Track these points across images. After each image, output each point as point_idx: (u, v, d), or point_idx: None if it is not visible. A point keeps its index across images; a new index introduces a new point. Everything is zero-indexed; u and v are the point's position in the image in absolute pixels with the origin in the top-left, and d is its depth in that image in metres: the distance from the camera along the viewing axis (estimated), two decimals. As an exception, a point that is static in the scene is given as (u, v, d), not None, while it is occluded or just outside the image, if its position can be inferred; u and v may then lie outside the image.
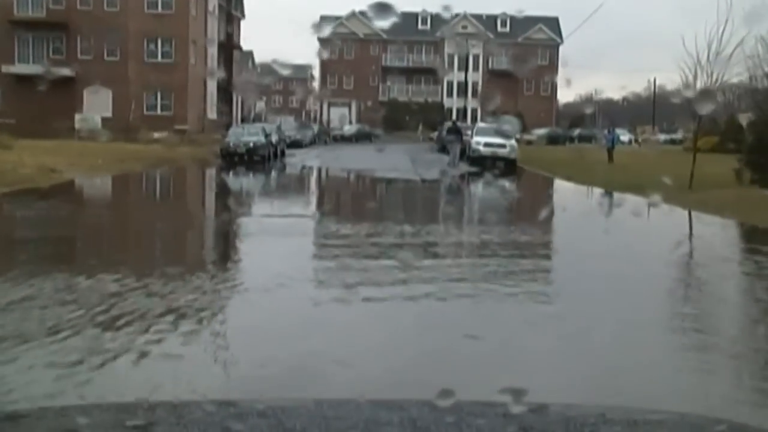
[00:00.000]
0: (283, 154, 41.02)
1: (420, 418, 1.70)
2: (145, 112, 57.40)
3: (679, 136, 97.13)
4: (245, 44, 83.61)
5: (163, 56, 57.53)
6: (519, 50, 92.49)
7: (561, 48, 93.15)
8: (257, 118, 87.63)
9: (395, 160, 36.43)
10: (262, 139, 36.16)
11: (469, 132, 37.26)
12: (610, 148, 36.69)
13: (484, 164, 34.11)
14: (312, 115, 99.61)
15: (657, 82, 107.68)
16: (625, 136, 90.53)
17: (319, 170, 34.91)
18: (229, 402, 1.87)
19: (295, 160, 38.04)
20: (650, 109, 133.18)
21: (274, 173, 32.47)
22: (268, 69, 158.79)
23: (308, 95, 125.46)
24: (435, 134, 58.47)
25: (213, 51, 65.81)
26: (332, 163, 34.94)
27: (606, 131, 40.45)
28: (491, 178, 27.61)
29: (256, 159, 35.16)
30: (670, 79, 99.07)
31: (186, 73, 57.39)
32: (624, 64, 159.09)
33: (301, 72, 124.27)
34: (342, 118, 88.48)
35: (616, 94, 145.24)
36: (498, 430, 1.71)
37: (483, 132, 36.67)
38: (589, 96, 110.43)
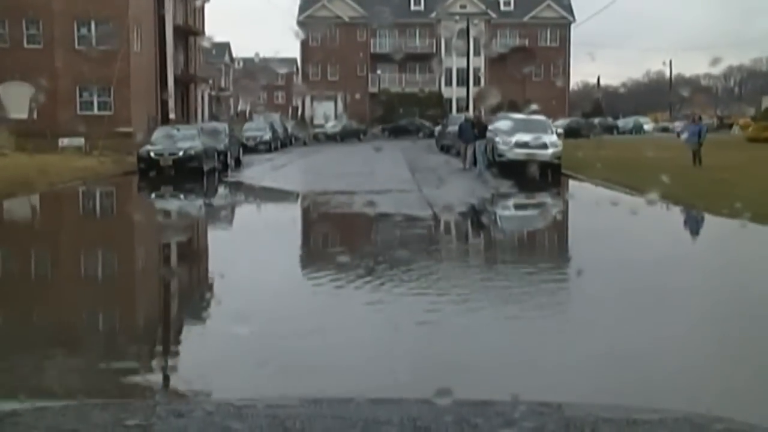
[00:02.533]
0: (237, 163, 30.31)
1: (420, 417, 1.69)
2: (78, 111, 46.69)
3: (707, 122, 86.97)
4: (221, 36, 72.83)
5: (98, 42, 46.64)
6: (526, 31, 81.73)
7: (573, 27, 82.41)
8: (239, 118, 77.11)
9: (388, 168, 25.86)
10: (196, 145, 25.38)
11: (491, 128, 26.47)
12: (696, 145, 25.73)
13: (515, 172, 23.56)
14: (298, 112, 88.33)
15: (654, 70, 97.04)
16: (648, 125, 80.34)
17: (267, 194, 21.79)
18: (229, 402, 1.86)
19: (249, 174, 27.26)
20: (651, 97, 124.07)
21: (193, 204, 21.04)
22: (251, 64, 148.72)
23: (293, 90, 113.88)
24: (437, 129, 47.70)
25: (168, 35, 54.91)
26: (297, 178, 24.02)
27: (690, 121, 29.50)
28: (553, 205, 16.93)
29: (188, 173, 24.47)
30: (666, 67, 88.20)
31: (128, 63, 46.50)
32: (621, 49, 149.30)
33: (286, 66, 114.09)
34: (327, 113, 77.63)
35: (614, 81, 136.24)
36: (497, 430, 1.67)
37: (510, 126, 25.87)
38: (587, 83, 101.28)
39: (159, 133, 26.78)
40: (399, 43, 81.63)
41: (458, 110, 78.00)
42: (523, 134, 25.12)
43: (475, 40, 76.42)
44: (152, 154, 24.91)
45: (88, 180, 23.85)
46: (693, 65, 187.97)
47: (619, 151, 31.16)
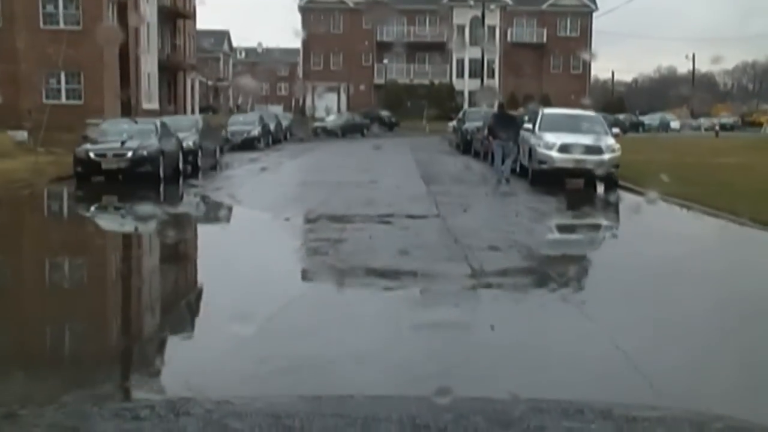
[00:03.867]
0: (214, 166, 24.73)
1: (419, 414, 1.69)
2: (44, 100, 41.12)
3: (729, 120, 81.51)
4: (221, 24, 67.42)
5: (66, 21, 41.09)
6: (544, 19, 75.87)
7: (595, 16, 76.51)
8: (240, 110, 71.18)
9: (396, 177, 20.31)
10: (151, 143, 19.81)
11: (527, 126, 20.74)
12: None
13: (549, 183, 18.06)
14: (299, 104, 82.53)
15: (665, 66, 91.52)
16: (675, 122, 74.65)
17: (223, 222, 15.25)
18: (228, 400, 1.88)
19: (219, 181, 21.67)
20: (662, 93, 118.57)
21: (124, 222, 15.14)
22: (254, 54, 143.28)
23: (297, 81, 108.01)
24: (451, 125, 42.02)
25: (150, 17, 49.34)
26: (274, 192, 18.12)
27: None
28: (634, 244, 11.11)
29: (139, 180, 18.95)
30: (677, 62, 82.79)
31: (101, 46, 40.84)
32: (633, 43, 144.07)
33: (289, 56, 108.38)
34: (329, 105, 71.92)
35: (626, 76, 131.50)
36: (497, 428, 1.69)
37: (554, 123, 20.21)
38: (596, 78, 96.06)
39: (106, 128, 21.11)
40: (407, 31, 75.84)
41: (471, 105, 72.32)
42: (571, 134, 19.45)
43: (489, 28, 70.74)
44: (92, 155, 19.28)
45: (25, 187, 18.35)
46: (705, 61, 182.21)
47: (673, 154, 25.51)
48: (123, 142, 19.72)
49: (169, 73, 54.71)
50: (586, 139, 19.26)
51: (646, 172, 20.29)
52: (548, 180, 19.35)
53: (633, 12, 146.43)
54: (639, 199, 17.39)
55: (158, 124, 21.46)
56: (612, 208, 16.54)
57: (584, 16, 76.10)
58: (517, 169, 21.33)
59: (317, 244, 10.42)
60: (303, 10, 76.51)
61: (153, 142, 20.04)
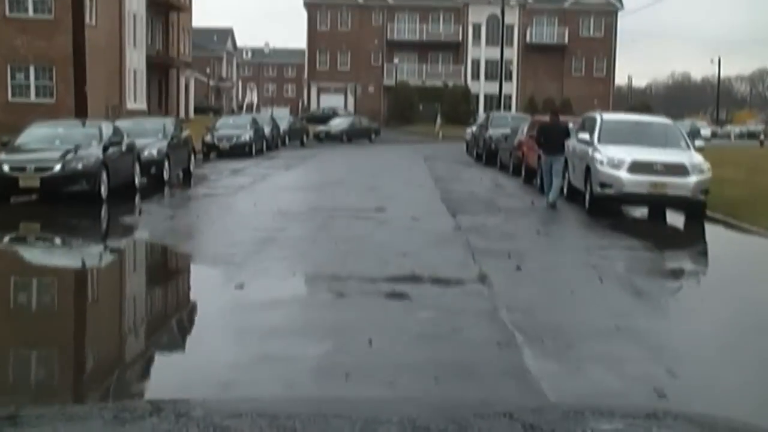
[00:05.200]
0: (187, 181, 20.05)
1: (419, 417, 1.69)
2: (9, 98, 36.50)
3: (758, 127, 76.72)
4: (223, 20, 62.85)
5: (36, 9, 36.49)
6: (566, 18, 70.93)
7: (620, 15, 71.56)
8: (246, 111, 66.26)
9: (410, 202, 15.50)
10: (89, 154, 15.22)
11: (583, 136, 15.82)
12: None
13: (610, 209, 13.37)
14: (305, 106, 77.63)
15: (680, 72, 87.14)
16: (705, 130, 69.67)
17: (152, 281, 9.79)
18: (229, 401, 1.99)
19: (179, 205, 16.93)
20: (677, 98, 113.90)
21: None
22: (260, 54, 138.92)
23: (303, 82, 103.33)
24: (469, 131, 37.17)
25: (136, 8, 44.62)
26: (247, 222, 13.05)
27: None
28: None
29: (69, 201, 14.27)
30: (692, 67, 78.59)
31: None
32: (645, 48, 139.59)
33: (297, 56, 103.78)
34: (335, 107, 67.13)
35: (641, 81, 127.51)
36: (498, 430, 1.68)
37: (617, 133, 15.35)
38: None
39: (33, 133, 16.26)
40: (420, 29, 71.00)
41: (486, 107, 67.48)
42: (642, 148, 14.60)
43: (507, 27, 65.76)
44: (6, 169, 14.51)
45: None
46: (723, 67, 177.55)
47: (734, 169, 20.70)
48: (51, 152, 14.97)
49: (160, 70, 50.02)
50: (665, 155, 14.41)
51: (728, 196, 15.48)
52: (610, 207, 14.58)
53: (642, 15, 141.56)
54: (754, 241, 12.53)
55: (104, 128, 16.65)
56: (732, 258, 11.61)
57: (609, 15, 71.14)
58: (564, 192, 16.62)
59: (270, 362, 5.55)
60: (308, 5, 71.78)
61: (92, 152, 15.28)
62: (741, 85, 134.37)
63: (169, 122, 21.40)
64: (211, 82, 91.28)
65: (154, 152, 19.21)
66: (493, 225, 12.83)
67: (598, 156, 14.61)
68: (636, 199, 14.31)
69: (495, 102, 63.48)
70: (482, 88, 69.89)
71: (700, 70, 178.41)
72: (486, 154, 28.67)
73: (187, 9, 56.16)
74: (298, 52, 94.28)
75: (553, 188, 15.90)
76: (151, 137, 19.88)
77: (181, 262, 10.14)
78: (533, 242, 11.46)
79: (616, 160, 14.26)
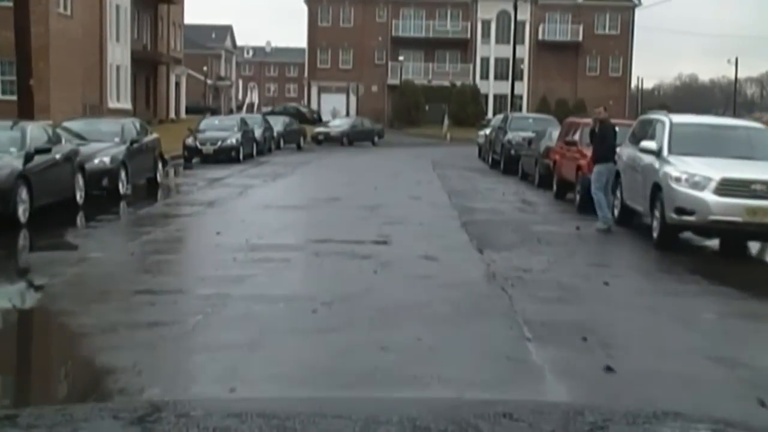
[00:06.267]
0: (154, 192, 16.51)
1: (419, 417, 1.69)
2: (-28, 95, 33.00)
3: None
4: (222, 18, 59.59)
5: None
6: (580, 15, 67.22)
7: (638, 12, 67.89)
8: (246, 111, 62.50)
9: (419, 225, 11.95)
10: (3, 165, 11.42)
11: (647, 145, 12.19)
12: None
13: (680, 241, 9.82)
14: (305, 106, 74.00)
15: (687, 73, 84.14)
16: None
17: None
18: (229, 401, 1.94)
19: (121, 231, 13.30)
20: (684, 100, 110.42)
21: None
22: (262, 53, 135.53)
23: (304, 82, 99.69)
24: (482, 133, 33.61)
25: (119, -1, 41.00)
26: (189, 265, 9.54)
27: None
28: None
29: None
30: (699, 69, 75.65)
31: (47, 27, 32.57)
32: (651, 49, 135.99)
33: (300, 56, 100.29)
34: (337, 107, 63.54)
35: (647, 83, 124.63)
36: (498, 430, 1.68)
37: (694, 142, 11.68)
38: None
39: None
40: (426, 25, 67.33)
41: (496, 110, 63.84)
42: (731, 162, 10.99)
43: (518, 24, 62.05)
44: None
45: None
46: (721, 68, 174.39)
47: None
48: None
49: (147, 66, 46.43)
50: (763, 171, 10.77)
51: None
52: (671, 233, 11.05)
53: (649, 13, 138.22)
54: None
55: (30, 131, 13.06)
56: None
57: (625, 11, 67.42)
58: (615, 212, 13.11)
59: None
60: (309, 0, 68.15)
61: (6, 163, 11.70)
62: (751, 87, 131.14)
63: (129, 123, 17.77)
64: (209, 81, 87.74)
65: (107, 160, 15.67)
66: (538, 269, 9.21)
67: (672, 171, 10.99)
68: (727, 229, 10.67)
69: (504, 102, 59.88)
70: (491, 87, 66.29)
71: (707, 71, 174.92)
72: (505, 161, 25.05)
73: (179, 1, 52.57)
74: (300, 51, 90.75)
75: (606, 207, 12.45)
76: (106, 142, 16.36)
77: (39, 360, 6.40)
78: (609, 304, 7.82)
79: (698, 177, 10.64)
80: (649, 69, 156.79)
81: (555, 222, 13.68)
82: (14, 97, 32.44)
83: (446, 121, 53.58)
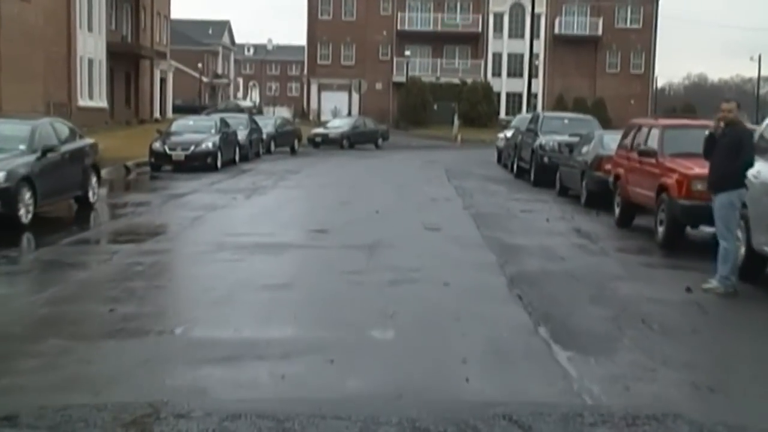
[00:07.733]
0: (84, 208, 12.02)
1: (419, 418, 1.68)
2: None
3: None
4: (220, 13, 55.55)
5: (-53, -23, 28.55)
6: (599, 7, 62.56)
7: (661, 4, 63.21)
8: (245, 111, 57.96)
9: (440, 275, 7.27)
10: None
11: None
12: None
13: None
14: (305, 105, 69.46)
15: (696, 73, 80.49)
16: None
17: None
18: (229, 402, 1.86)
19: (20, 280, 8.75)
20: (696, 100, 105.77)
21: None
22: (263, 50, 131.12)
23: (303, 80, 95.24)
24: (501, 136, 29.13)
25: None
26: (78, 366, 5.21)
27: None
28: None
29: None
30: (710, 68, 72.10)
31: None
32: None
33: (302, 54, 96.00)
34: (338, 106, 59.13)
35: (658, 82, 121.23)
36: (497, 430, 1.66)
37: None
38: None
39: None
40: (434, 18, 62.74)
41: (508, 109, 59.36)
42: None
43: (534, 17, 57.53)
44: None
45: None
46: (731, 67, 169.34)
47: None
48: None
49: (128, 61, 41.92)
50: None
51: None
52: None
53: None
54: None
55: None
56: None
57: (648, 3, 62.73)
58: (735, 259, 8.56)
59: None
60: (309, -9, 63.68)
61: None
62: (764, 87, 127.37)
63: (44, 125, 13.22)
64: (205, 79, 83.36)
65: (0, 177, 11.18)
66: (646, 374, 4.67)
67: None
68: None
69: (518, 101, 55.45)
70: (504, 85, 61.78)
71: (716, 71, 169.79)
72: (536, 171, 20.51)
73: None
74: (302, 49, 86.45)
75: (735, 261, 7.96)
76: (5, 151, 11.90)
77: None
78: None
79: None
80: (662, 68, 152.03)
81: (644, 277, 9.11)
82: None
83: (456, 122, 49.11)
